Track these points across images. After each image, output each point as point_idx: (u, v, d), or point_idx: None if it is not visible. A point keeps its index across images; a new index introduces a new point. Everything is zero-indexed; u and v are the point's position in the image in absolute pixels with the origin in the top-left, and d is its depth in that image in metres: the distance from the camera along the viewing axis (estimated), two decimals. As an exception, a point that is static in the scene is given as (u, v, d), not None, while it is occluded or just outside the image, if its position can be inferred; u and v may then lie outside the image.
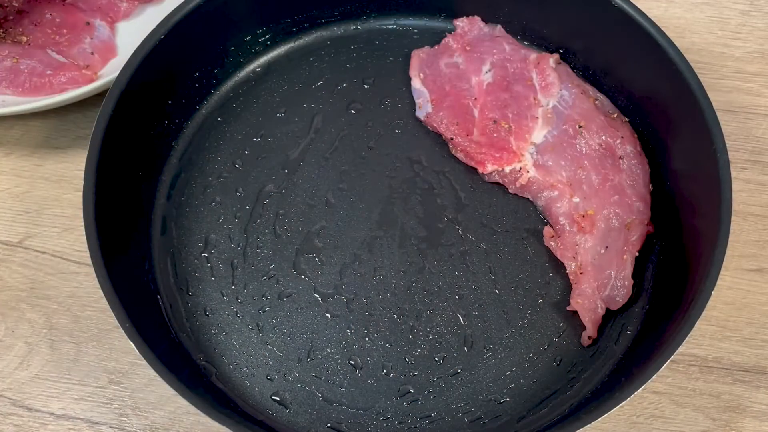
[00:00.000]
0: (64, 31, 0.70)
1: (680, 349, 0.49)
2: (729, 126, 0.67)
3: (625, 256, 0.57)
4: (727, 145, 0.54)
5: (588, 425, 0.47)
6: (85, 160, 0.54)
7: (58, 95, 0.64)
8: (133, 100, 0.58)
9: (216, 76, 0.66)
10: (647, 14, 0.59)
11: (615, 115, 0.63)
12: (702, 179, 0.56)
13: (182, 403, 0.48)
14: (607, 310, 0.57)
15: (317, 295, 0.58)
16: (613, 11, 0.60)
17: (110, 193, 0.55)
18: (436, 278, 0.59)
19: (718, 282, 0.50)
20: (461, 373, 0.56)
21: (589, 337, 0.56)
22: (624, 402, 0.47)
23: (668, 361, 0.48)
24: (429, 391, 0.55)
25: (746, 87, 0.70)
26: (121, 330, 0.49)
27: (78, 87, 0.65)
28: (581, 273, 0.57)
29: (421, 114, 0.65)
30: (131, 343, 0.49)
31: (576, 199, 0.60)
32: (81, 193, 0.53)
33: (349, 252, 0.60)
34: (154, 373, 0.48)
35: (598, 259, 0.57)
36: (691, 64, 0.57)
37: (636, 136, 0.62)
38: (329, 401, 0.55)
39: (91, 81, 0.67)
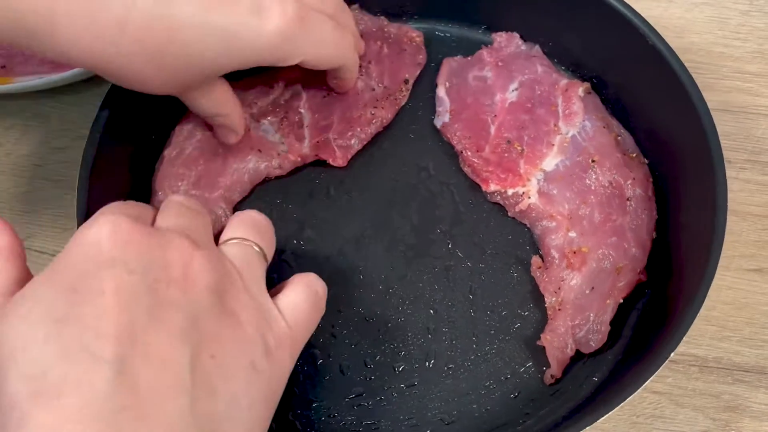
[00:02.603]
0: None
1: (680, 349, 0.48)
2: (728, 126, 0.67)
3: (608, 301, 0.55)
4: (726, 145, 0.54)
5: (588, 425, 0.47)
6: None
7: None
8: (133, 102, 0.56)
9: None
10: (646, 17, 0.59)
11: (634, 155, 0.61)
12: (701, 232, 0.53)
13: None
14: (578, 352, 0.55)
15: (294, 283, 0.58)
16: (647, 50, 0.58)
17: (107, 195, 0.51)
18: (414, 288, 0.58)
19: (719, 282, 0.52)
20: (417, 386, 0.55)
21: (552, 375, 0.54)
22: (624, 402, 0.47)
23: (668, 361, 0.48)
24: (380, 399, 0.55)
25: (746, 87, 0.69)
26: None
27: None
28: (559, 309, 0.55)
29: (438, 122, 0.64)
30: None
31: (572, 234, 0.58)
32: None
33: (336, 246, 0.60)
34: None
35: (580, 298, 0.55)
36: (691, 64, 0.57)
37: (651, 180, 0.60)
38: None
39: None
